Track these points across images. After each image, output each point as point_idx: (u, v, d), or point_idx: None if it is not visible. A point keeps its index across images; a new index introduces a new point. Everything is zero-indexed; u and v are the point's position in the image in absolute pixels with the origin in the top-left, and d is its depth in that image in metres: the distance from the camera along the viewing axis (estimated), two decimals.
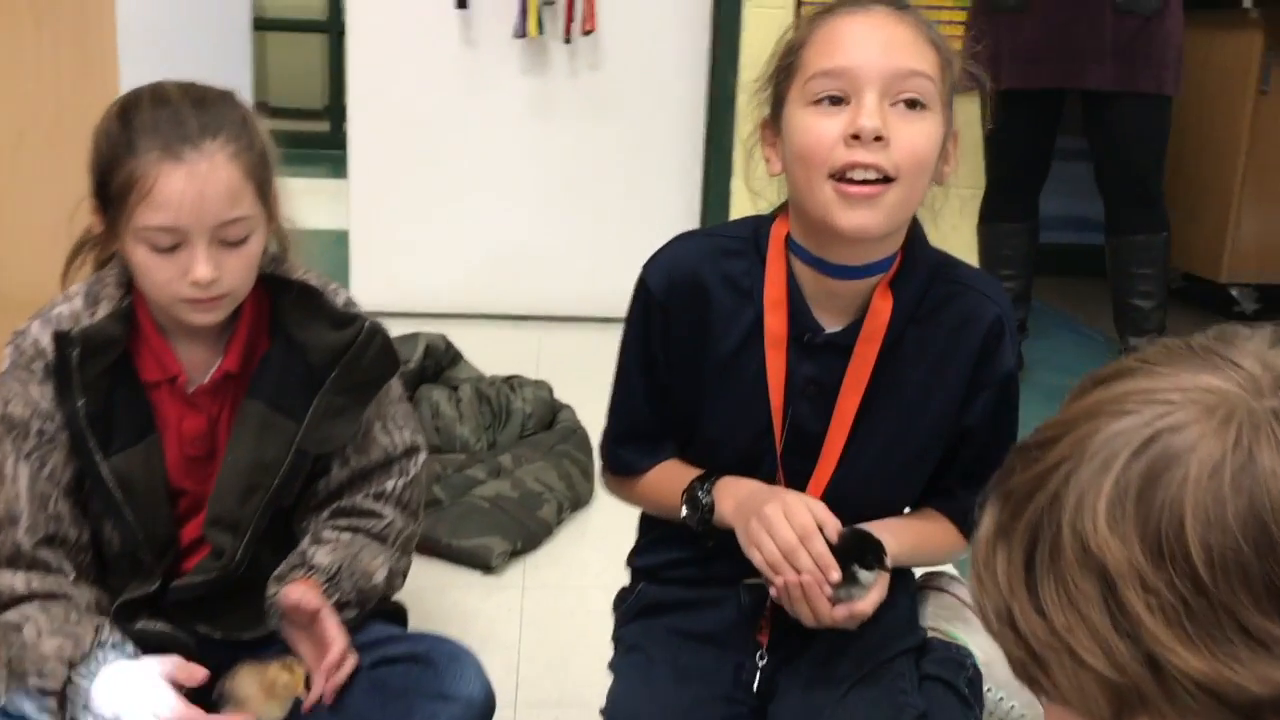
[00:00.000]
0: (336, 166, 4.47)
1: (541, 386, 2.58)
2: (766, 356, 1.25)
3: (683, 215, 3.71)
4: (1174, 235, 4.59)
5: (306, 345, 1.40)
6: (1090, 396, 0.64)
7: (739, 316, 1.27)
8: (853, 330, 1.24)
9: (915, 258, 1.24)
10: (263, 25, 8.69)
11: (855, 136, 1.13)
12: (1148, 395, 0.61)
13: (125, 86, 1.38)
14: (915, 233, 1.25)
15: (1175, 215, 4.52)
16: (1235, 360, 0.61)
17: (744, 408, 1.28)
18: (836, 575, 1.16)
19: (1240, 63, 4.22)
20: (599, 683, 1.38)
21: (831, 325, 1.25)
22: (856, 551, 1.19)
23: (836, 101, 1.15)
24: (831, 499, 1.24)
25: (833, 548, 1.18)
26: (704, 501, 1.26)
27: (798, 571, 1.16)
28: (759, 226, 1.29)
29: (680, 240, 1.33)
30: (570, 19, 3.52)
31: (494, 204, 3.71)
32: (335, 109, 6.53)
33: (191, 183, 1.26)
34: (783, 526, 1.17)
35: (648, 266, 1.31)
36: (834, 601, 1.18)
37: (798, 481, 1.27)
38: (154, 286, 1.31)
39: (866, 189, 1.14)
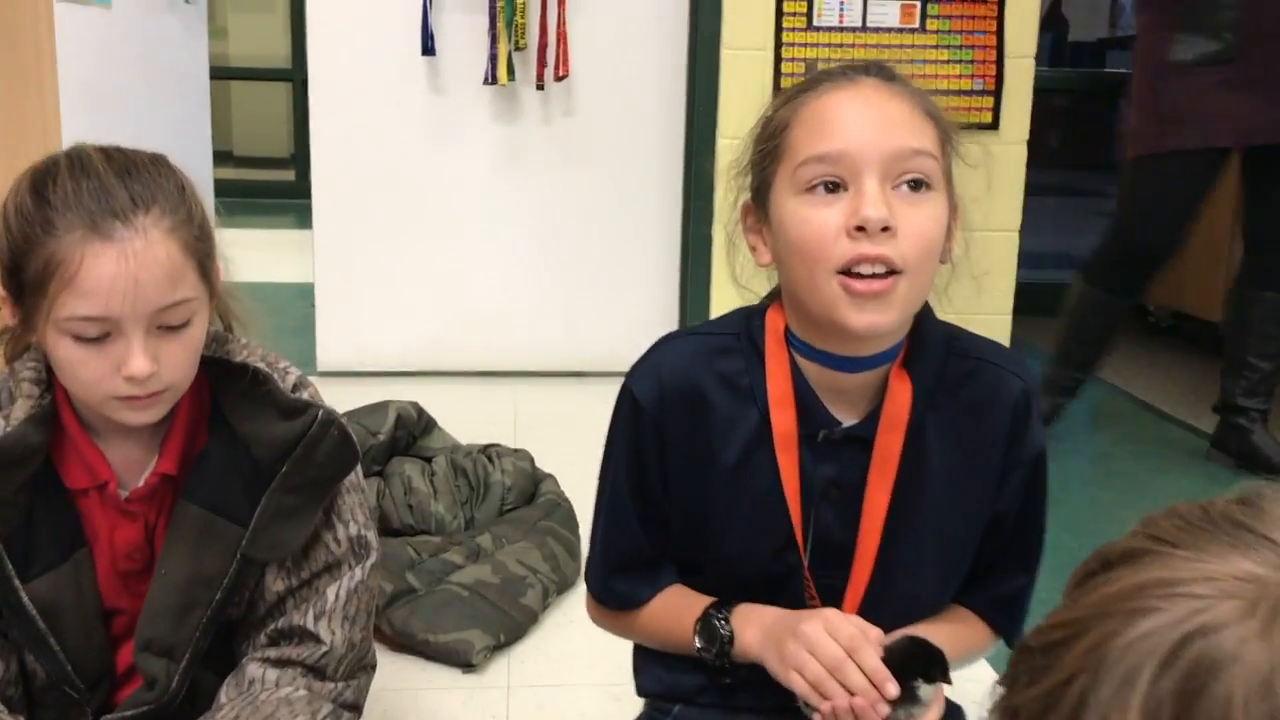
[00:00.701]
0: (303, 216, 4.31)
1: (521, 456, 2.41)
2: (779, 460, 1.12)
3: (663, 265, 3.57)
4: (1166, 276, 4.51)
5: (251, 439, 1.23)
6: (1100, 588, 0.56)
7: (742, 419, 1.14)
8: (872, 421, 1.12)
9: (925, 335, 1.13)
10: (227, 74, 8.60)
11: (860, 228, 1.02)
12: (1170, 587, 0.52)
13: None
14: (922, 308, 1.13)
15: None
16: (1269, 535, 0.53)
17: (760, 520, 1.14)
18: (894, 690, 1.02)
19: None
20: None
21: (847, 418, 1.13)
22: (913, 663, 1.05)
23: (833, 188, 1.04)
24: (869, 612, 1.11)
25: (884, 661, 1.04)
26: (723, 632, 1.12)
27: (850, 693, 1.02)
28: (750, 320, 1.17)
29: (664, 343, 1.20)
30: (542, 64, 3.39)
31: (465, 257, 3.55)
32: (301, 157, 6.38)
33: (124, 265, 1.10)
34: (826, 642, 1.03)
35: (632, 376, 1.18)
36: None
37: (830, 597, 1.14)
38: (81, 384, 1.14)
39: (876, 284, 1.02)
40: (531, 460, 2.43)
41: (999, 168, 3.46)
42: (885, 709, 1.02)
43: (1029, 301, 3.72)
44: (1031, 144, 3.48)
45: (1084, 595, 0.56)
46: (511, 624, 1.96)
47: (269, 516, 1.23)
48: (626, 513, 1.19)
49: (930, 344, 1.12)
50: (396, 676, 1.87)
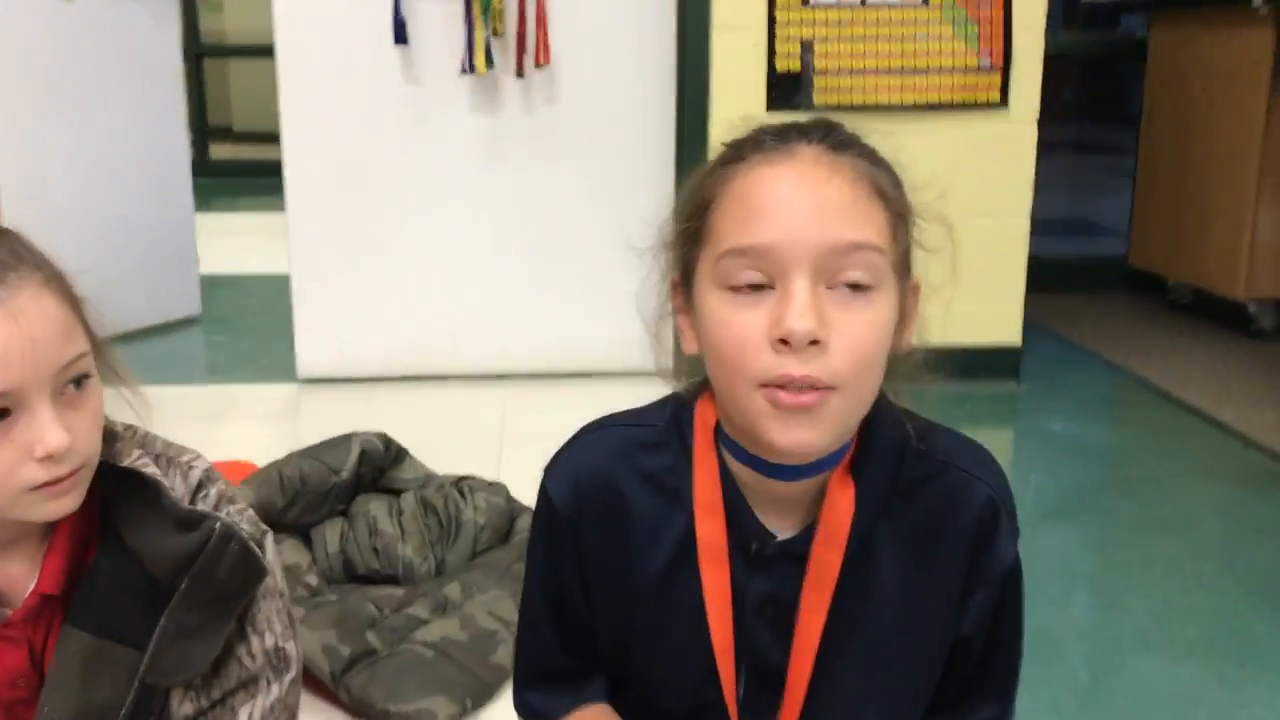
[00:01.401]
0: None
1: (496, 491, 2.26)
2: (703, 576, 0.98)
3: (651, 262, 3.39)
4: (1186, 245, 4.32)
5: (144, 553, 1.08)
6: None
7: (667, 525, 1.00)
8: (809, 535, 0.97)
9: (876, 434, 0.97)
10: (224, 51, 8.41)
11: (784, 340, 0.86)
12: None
13: None
14: (877, 399, 0.96)
15: (1187, 225, 4.24)
16: None
17: (687, 642, 1.00)
18: None
19: (1250, 63, 3.92)
20: None
21: (784, 529, 0.99)
22: None
23: (758, 288, 0.88)
24: None
25: None
26: None
27: None
28: (680, 411, 1.02)
29: (583, 436, 1.06)
30: (522, 51, 3.21)
31: (447, 255, 3.40)
32: None
33: (14, 325, 0.97)
34: None
35: (547, 472, 1.05)
36: None
37: None
38: None
39: (804, 397, 0.87)
40: (507, 494, 2.28)
41: (1007, 149, 3.28)
42: None
43: (1042, 278, 3.53)
44: (1043, 98, 3.27)
45: None
46: (479, 687, 1.81)
47: (170, 637, 1.09)
48: (539, 623, 1.08)
49: (882, 445, 0.97)
50: None
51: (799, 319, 0.84)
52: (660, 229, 1.00)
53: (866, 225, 0.87)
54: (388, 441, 2.27)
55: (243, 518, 1.15)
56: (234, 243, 5.45)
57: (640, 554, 1.01)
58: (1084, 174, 5.67)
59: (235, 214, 6.48)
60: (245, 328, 4.12)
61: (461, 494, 2.22)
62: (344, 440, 2.20)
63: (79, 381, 1.03)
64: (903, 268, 0.92)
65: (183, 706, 1.13)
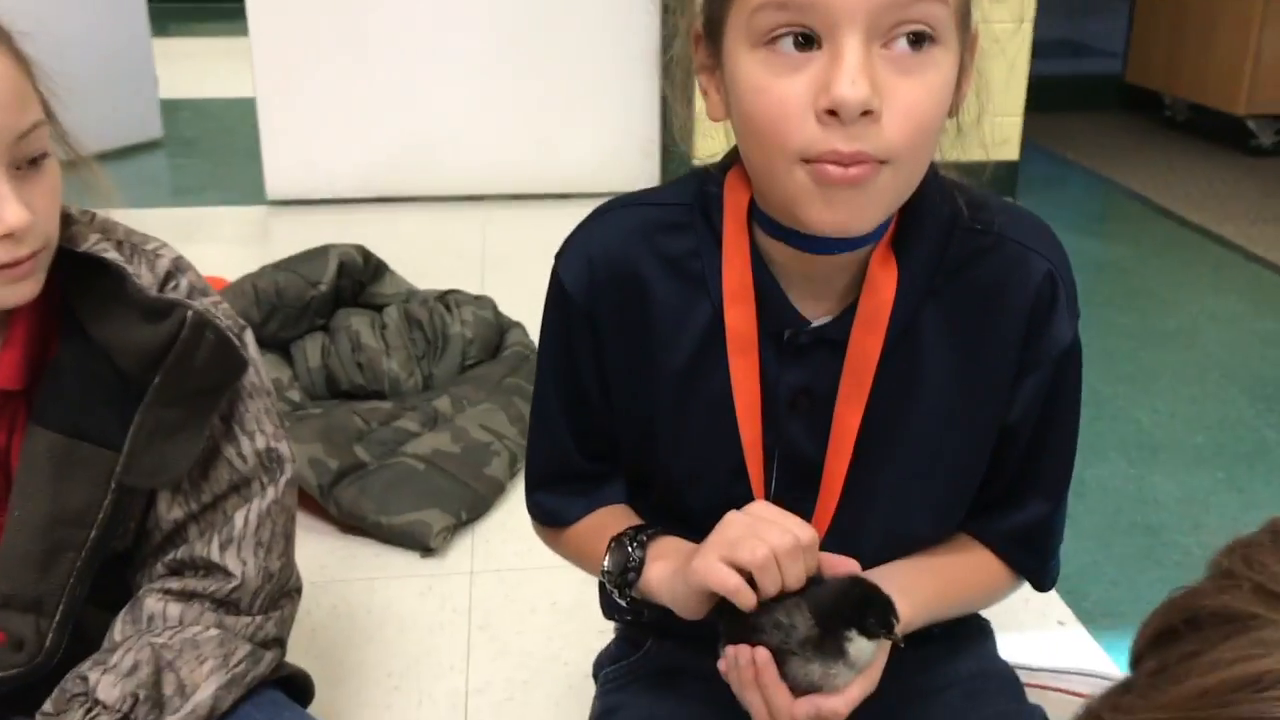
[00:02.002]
0: None
1: (483, 304, 2.16)
2: (731, 366, 0.90)
3: (644, 69, 3.23)
4: (1186, 61, 4.18)
5: (111, 346, 0.99)
6: (1189, 673, 0.40)
7: (691, 313, 0.91)
8: (846, 320, 0.88)
9: (923, 205, 0.85)
10: None
11: (832, 111, 0.74)
12: None
13: None
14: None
15: (1188, 40, 4.09)
16: None
17: (713, 436, 0.92)
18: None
19: None
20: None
21: (818, 314, 0.89)
22: (846, 608, 0.82)
23: (803, 43, 0.75)
24: (842, 547, 0.90)
25: (817, 602, 0.82)
26: (633, 558, 0.91)
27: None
28: (705, 188, 0.91)
29: (598, 217, 0.95)
30: None
31: (422, 68, 3.22)
32: None
33: None
34: (755, 543, 0.82)
35: (560, 257, 0.94)
36: (800, 686, 0.83)
37: None
38: None
39: (853, 171, 0.76)
40: (495, 307, 2.18)
41: None
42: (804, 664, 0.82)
43: (1037, 97, 3.40)
44: None
45: (1166, 677, 0.41)
46: (474, 499, 1.75)
47: (146, 435, 1.00)
48: (554, 421, 0.99)
49: (929, 217, 0.87)
50: (346, 564, 1.68)
51: (850, 86, 0.72)
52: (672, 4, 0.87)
53: None
54: (366, 254, 2.16)
55: (218, 310, 1.06)
56: (194, 66, 5.21)
57: (662, 345, 0.92)
58: None
59: (194, 39, 6.19)
60: (210, 150, 3.95)
61: (448, 308, 2.13)
62: (320, 252, 2.09)
63: (35, 161, 0.93)
64: (964, 15, 0.80)
65: (171, 511, 1.06)
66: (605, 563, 0.92)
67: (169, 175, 3.78)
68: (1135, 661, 0.46)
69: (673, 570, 0.88)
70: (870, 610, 0.82)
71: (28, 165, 0.92)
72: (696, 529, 0.88)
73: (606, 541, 0.93)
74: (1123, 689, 0.45)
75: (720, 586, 0.81)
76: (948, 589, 0.95)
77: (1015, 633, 1.48)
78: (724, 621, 0.85)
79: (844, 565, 0.85)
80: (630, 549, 0.91)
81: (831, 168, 0.75)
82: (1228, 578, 0.44)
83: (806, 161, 0.76)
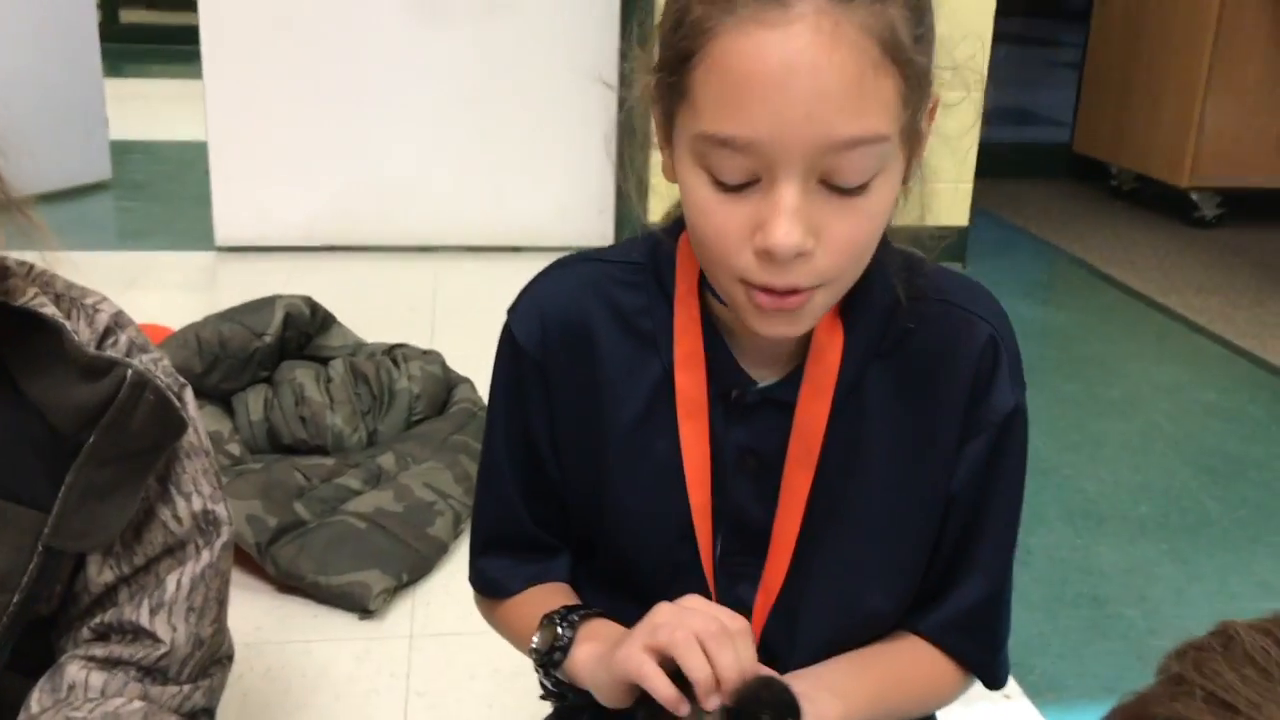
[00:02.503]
0: None
1: (431, 359, 2.14)
2: (681, 431, 0.89)
3: (599, 125, 3.24)
4: (1132, 133, 4.27)
5: (44, 405, 0.95)
6: None
7: (642, 370, 0.90)
8: (793, 382, 0.88)
9: (870, 274, 0.84)
10: None
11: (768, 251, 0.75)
12: None
13: None
14: None
15: (1134, 112, 4.18)
16: None
17: (660, 497, 0.90)
18: (684, 710, 0.78)
19: None
20: None
21: (765, 376, 0.89)
22: (753, 705, 0.79)
23: (740, 185, 0.75)
24: (792, 618, 0.89)
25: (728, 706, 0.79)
26: (561, 638, 0.88)
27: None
28: (656, 250, 0.91)
29: (552, 271, 0.95)
30: None
31: (377, 117, 3.22)
32: None
33: None
34: (703, 614, 0.80)
35: (513, 311, 0.94)
36: None
37: (743, 594, 0.91)
38: None
39: (787, 301, 0.77)
40: (443, 363, 2.15)
41: (961, 15, 3.15)
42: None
43: (986, 163, 3.45)
44: None
45: None
46: (415, 560, 1.72)
47: (78, 496, 0.97)
48: (502, 478, 0.97)
49: (875, 285, 0.86)
50: (282, 626, 1.63)
51: (783, 236, 0.73)
52: (632, 52, 0.86)
53: (871, 109, 0.72)
54: (314, 306, 2.13)
55: (158, 367, 1.03)
56: (146, 109, 5.17)
57: (612, 401, 0.91)
58: (1029, 66, 5.59)
59: (147, 80, 6.14)
60: (159, 194, 3.90)
61: (395, 362, 2.10)
62: (267, 303, 2.06)
63: None
64: (910, 137, 0.78)
65: (102, 574, 1.02)
66: (534, 640, 0.90)
67: (116, 218, 3.72)
68: None
69: (599, 655, 0.85)
70: (775, 711, 0.78)
71: None
72: (641, 596, 0.86)
73: (536, 619, 0.91)
74: None
75: (638, 676, 0.78)
76: (887, 691, 0.92)
77: (961, 706, 1.47)
78: (642, 711, 0.82)
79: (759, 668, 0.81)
80: (560, 628, 0.89)
81: (764, 298, 0.77)
82: (1179, 684, 0.43)
83: (744, 282, 0.77)
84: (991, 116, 3.41)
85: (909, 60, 0.73)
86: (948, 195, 3.24)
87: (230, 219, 3.24)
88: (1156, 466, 2.24)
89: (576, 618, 0.89)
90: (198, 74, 3.15)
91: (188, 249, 3.29)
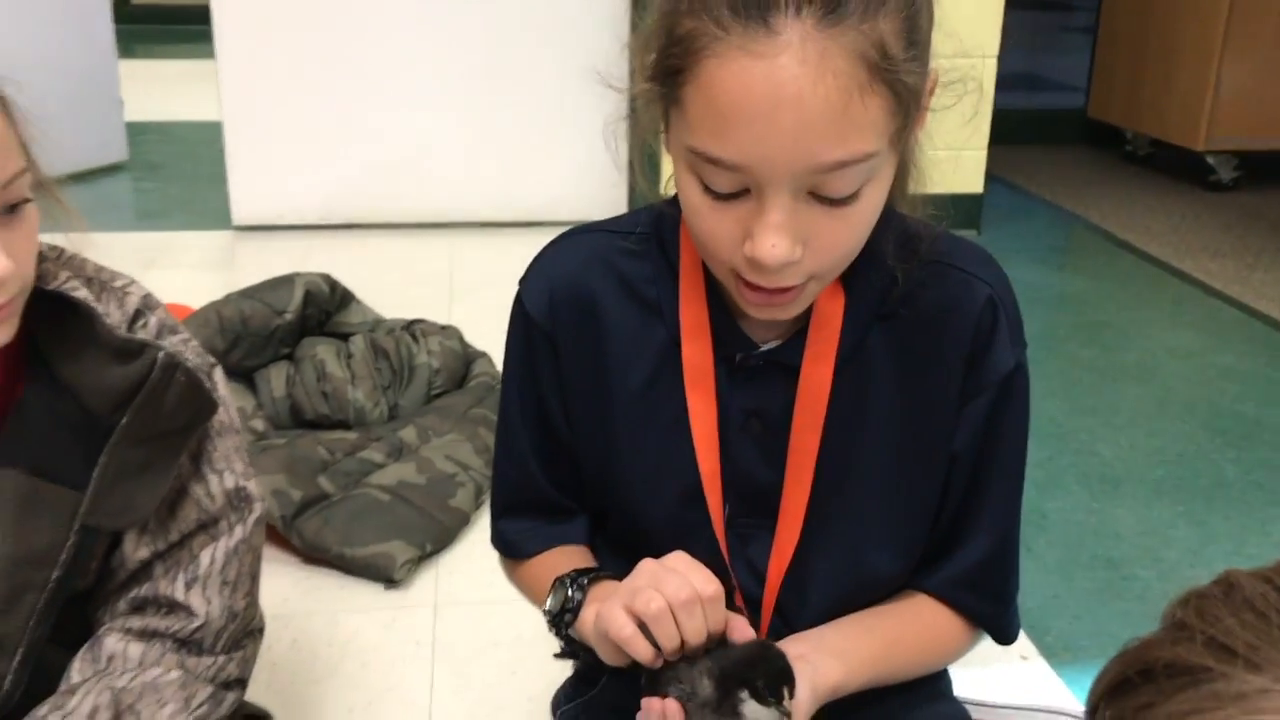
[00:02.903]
0: None
1: (450, 334, 2.16)
2: (689, 399, 0.91)
3: (609, 101, 3.24)
4: (1147, 97, 4.25)
5: (78, 386, 0.97)
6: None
7: (646, 338, 0.93)
8: (797, 345, 0.90)
9: (870, 240, 0.86)
10: None
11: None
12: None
13: None
14: None
15: (1149, 76, 4.16)
16: None
17: (668, 459, 0.93)
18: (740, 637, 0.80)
19: None
20: None
21: (767, 339, 0.91)
22: (746, 670, 0.81)
23: (730, 194, 0.77)
24: (805, 579, 0.92)
25: (720, 664, 0.81)
26: (571, 599, 0.91)
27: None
28: (660, 222, 0.93)
29: (559, 242, 0.98)
30: None
31: (389, 94, 3.23)
32: None
33: None
34: (680, 578, 0.81)
35: (523, 282, 0.97)
36: None
37: (757, 551, 0.94)
38: None
39: (777, 298, 0.81)
40: (461, 338, 2.18)
41: None
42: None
43: (1000, 130, 3.44)
44: None
45: None
46: (439, 530, 1.75)
47: (112, 476, 0.99)
48: (519, 444, 1.00)
49: (876, 250, 0.87)
50: (309, 597, 1.66)
51: (770, 250, 0.75)
52: (629, 56, 0.87)
53: (856, 133, 0.73)
54: (332, 283, 2.16)
55: (187, 348, 1.05)
56: (159, 89, 5.19)
57: (619, 368, 0.93)
58: (1042, 31, 5.55)
59: (159, 61, 6.16)
60: (175, 174, 3.93)
61: (414, 337, 2.12)
62: (286, 280, 2.08)
63: (15, 207, 0.91)
64: (900, 137, 0.79)
65: (137, 551, 1.05)
66: (547, 602, 0.93)
67: (133, 199, 3.75)
68: (1091, 712, 0.47)
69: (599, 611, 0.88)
70: (769, 678, 0.80)
71: (7, 212, 0.91)
72: (662, 555, 0.88)
73: (551, 580, 0.94)
74: None
75: (617, 636, 0.81)
76: (892, 649, 0.94)
77: (978, 667, 1.49)
78: (644, 674, 0.85)
79: (742, 628, 0.83)
80: (570, 591, 0.91)
81: (756, 294, 0.80)
82: (1181, 630, 0.44)
83: (736, 275, 0.80)
84: (1005, 82, 3.42)
85: (898, 78, 0.74)
86: (961, 162, 3.24)
87: (246, 198, 3.26)
88: (1172, 430, 2.24)
89: (586, 580, 0.92)
90: (209, 54, 3.16)
91: (205, 228, 3.32)
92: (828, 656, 0.86)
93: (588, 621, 0.89)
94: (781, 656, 0.82)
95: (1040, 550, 1.81)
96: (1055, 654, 1.56)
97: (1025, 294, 0.94)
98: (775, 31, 0.71)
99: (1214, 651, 0.42)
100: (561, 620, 0.91)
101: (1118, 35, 4.36)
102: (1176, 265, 3.21)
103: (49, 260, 1.01)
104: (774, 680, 0.80)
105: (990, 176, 3.37)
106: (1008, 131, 3.77)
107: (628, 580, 0.83)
